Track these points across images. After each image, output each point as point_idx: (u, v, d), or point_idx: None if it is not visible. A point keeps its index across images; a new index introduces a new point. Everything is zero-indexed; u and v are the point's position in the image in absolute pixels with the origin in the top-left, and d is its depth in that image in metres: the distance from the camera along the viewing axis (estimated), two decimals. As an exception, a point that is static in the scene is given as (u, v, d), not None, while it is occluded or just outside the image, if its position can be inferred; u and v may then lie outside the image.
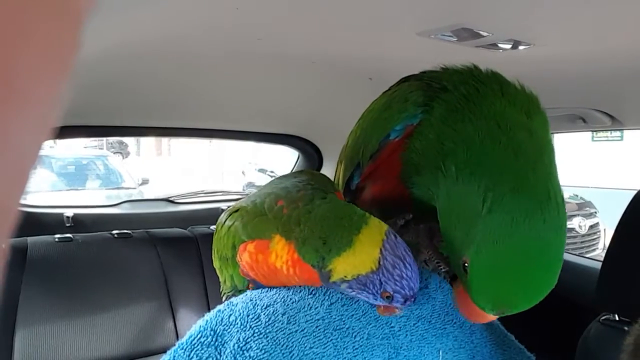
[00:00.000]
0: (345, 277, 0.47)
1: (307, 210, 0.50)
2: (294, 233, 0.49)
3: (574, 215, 4.44)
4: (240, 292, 0.59)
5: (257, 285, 0.57)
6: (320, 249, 0.48)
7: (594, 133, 4.93)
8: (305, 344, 0.49)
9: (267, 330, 0.49)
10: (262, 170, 5.92)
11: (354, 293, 0.49)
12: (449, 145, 0.50)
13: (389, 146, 0.57)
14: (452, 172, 0.48)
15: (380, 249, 0.47)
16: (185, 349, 0.48)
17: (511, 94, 0.52)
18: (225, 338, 0.48)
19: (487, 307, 0.46)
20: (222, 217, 0.60)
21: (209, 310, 0.53)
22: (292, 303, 0.52)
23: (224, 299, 0.63)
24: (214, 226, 0.62)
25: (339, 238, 0.47)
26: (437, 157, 0.51)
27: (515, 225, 0.44)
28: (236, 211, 0.57)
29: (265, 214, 0.53)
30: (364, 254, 0.47)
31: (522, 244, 0.44)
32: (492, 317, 0.49)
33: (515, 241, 0.44)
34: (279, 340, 0.48)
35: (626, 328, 0.80)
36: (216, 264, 0.62)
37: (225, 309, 0.51)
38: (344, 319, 0.53)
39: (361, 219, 0.49)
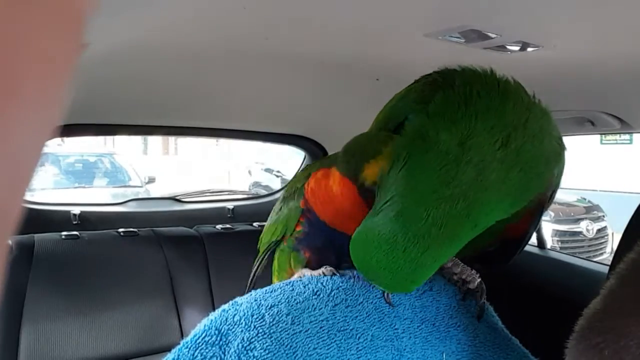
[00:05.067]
0: (374, 181, 0.55)
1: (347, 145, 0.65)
2: (338, 161, 0.63)
3: (582, 219, 4.41)
4: (281, 242, 0.70)
5: (307, 223, 0.66)
6: (352, 163, 0.59)
7: (603, 136, 4.89)
8: (309, 345, 0.49)
9: (271, 331, 0.49)
10: (268, 170, 5.93)
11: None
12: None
13: None
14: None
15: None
16: (189, 348, 0.48)
17: (507, 110, 0.48)
18: (229, 337, 0.48)
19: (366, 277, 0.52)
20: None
21: (213, 309, 0.53)
22: (297, 304, 0.52)
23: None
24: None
25: (363, 154, 0.58)
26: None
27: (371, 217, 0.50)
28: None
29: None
30: (382, 161, 0.55)
31: (370, 229, 0.49)
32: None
33: (367, 226, 0.50)
34: (283, 341, 0.48)
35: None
36: (276, 206, 0.74)
37: (229, 309, 0.51)
38: (347, 320, 0.53)
39: (384, 141, 0.57)
